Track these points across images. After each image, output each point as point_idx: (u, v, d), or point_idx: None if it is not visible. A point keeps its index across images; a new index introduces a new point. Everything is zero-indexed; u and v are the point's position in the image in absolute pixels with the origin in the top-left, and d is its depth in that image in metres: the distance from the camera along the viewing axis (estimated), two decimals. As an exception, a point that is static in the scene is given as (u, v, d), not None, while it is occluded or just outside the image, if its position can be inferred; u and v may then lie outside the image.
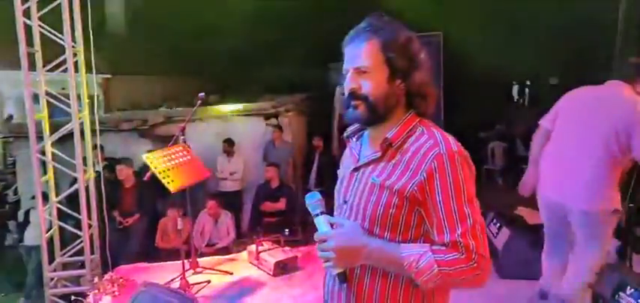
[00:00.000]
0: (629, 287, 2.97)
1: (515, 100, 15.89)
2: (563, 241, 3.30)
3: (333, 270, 1.34)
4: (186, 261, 4.36)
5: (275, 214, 6.38)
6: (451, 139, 1.32)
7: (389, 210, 1.31)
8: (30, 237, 6.38)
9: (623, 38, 6.64)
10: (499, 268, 4.18)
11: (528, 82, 15.16)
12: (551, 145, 3.19)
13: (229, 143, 7.12)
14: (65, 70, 4.49)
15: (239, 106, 7.89)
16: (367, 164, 1.40)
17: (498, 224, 4.46)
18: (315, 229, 1.36)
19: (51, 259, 4.68)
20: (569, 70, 10.56)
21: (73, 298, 4.54)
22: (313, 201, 1.39)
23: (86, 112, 4.83)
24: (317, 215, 1.36)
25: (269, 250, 4.71)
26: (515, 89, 16.04)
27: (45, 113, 4.57)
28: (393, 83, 1.34)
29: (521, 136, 9.89)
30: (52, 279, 4.63)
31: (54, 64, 4.49)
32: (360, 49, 1.34)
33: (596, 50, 8.59)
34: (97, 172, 5.17)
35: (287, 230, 5.84)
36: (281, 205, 6.39)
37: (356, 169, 1.43)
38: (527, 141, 10.36)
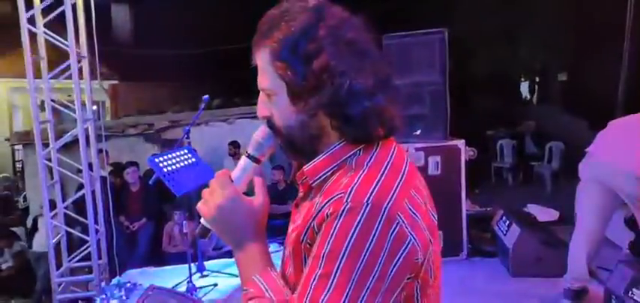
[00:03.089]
0: (643, 283, 2.91)
1: (524, 97, 15.76)
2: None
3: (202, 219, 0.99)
4: (192, 264, 4.34)
5: (282, 216, 6.35)
6: (381, 186, 0.85)
7: (297, 276, 0.91)
8: (38, 243, 6.42)
9: (632, 32, 6.54)
10: (510, 267, 4.12)
11: (537, 79, 15.04)
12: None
13: (235, 145, 7.11)
14: (71, 77, 4.50)
15: (244, 108, 7.89)
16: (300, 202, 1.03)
17: (508, 222, 4.39)
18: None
19: (59, 265, 4.69)
20: (579, 65, 10.46)
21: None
22: (259, 137, 0.99)
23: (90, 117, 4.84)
24: (247, 155, 0.99)
25: (276, 252, 4.68)
26: (524, 86, 15.91)
27: (50, 119, 4.58)
28: (300, 106, 0.90)
29: (530, 133, 9.80)
30: (60, 284, 4.64)
31: (58, 70, 4.50)
32: (258, 61, 0.94)
33: (606, 45, 8.48)
34: (103, 178, 5.18)
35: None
36: (288, 207, 6.37)
37: (296, 206, 1.04)
38: (536, 138, 10.27)
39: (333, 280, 0.80)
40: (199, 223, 0.99)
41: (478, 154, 4.60)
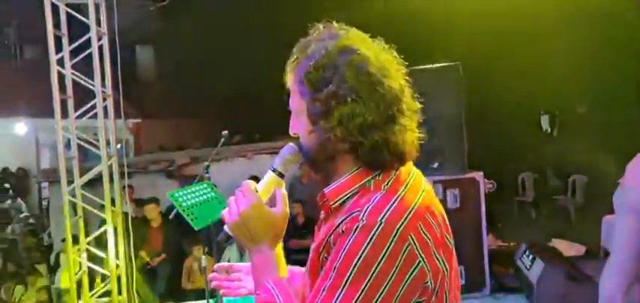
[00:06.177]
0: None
1: (544, 130, 15.55)
2: None
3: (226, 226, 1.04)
4: (211, 300, 4.32)
5: (302, 251, 6.31)
6: (395, 208, 0.88)
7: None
8: (61, 280, 6.48)
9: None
10: (534, 301, 4.00)
11: (557, 112, 14.85)
12: None
13: (255, 181, 7.16)
14: (96, 116, 4.65)
15: (264, 145, 7.98)
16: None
17: (531, 256, 4.29)
18: None
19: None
20: (598, 98, 10.33)
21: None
22: (285, 153, 1.05)
23: (115, 154, 4.96)
24: (273, 169, 1.06)
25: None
26: (544, 119, 15.71)
27: (75, 156, 4.71)
28: (317, 127, 0.95)
29: (551, 166, 9.63)
30: (81, 321, 4.67)
31: (84, 109, 4.65)
32: (289, 82, 1.02)
33: (625, 76, 8.39)
34: (125, 213, 5.26)
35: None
36: (308, 242, 6.34)
37: (318, 227, 1.07)
38: (558, 171, 10.03)
39: (340, 292, 0.84)
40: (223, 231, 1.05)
41: (500, 188, 4.54)
